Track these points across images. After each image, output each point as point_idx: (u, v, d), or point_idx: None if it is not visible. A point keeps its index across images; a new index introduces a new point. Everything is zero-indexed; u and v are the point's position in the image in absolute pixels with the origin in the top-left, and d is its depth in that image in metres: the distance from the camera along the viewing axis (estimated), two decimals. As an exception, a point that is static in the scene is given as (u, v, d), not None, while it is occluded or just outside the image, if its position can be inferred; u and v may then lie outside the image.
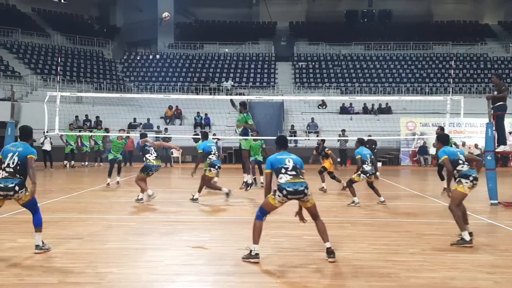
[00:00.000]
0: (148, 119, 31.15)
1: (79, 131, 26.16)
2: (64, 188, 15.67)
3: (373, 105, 33.72)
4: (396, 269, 6.64)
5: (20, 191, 7.07)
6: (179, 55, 42.18)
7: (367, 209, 12.02)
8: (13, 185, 7.03)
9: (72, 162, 24.99)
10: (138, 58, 42.55)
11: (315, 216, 7.13)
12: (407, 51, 42.21)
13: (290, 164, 7.09)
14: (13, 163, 7.13)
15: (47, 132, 18.45)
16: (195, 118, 32.14)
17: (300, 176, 7.03)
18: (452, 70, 36.27)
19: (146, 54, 43.41)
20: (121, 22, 47.66)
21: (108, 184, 16.08)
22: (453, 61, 35.83)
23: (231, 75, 39.44)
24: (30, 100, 30.04)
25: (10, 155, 7.20)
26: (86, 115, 30.39)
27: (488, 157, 13.23)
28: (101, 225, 9.55)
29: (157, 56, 42.31)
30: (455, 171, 8.23)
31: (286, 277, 6.26)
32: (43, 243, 7.30)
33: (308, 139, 30.19)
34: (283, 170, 7.04)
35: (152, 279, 6.16)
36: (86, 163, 25.60)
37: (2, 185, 7.03)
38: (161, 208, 11.77)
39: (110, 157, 16.91)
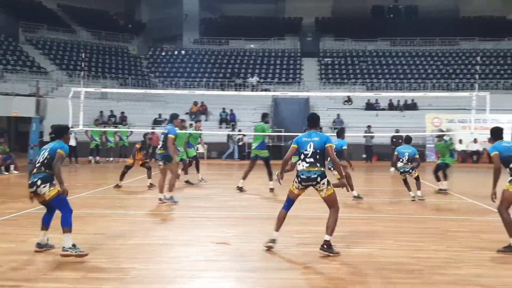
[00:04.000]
0: (173, 115, 31.25)
1: (104, 127, 26.39)
2: (89, 184, 15.84)
3: (398, 101, 33.34)
4: (420, 266, 6.59)
5: (42, 185, 6.89)
6: (204, 51, 42.22)
7: (394, 206, 11.92)
8: (36, 179, 6.93)
9: (97, 157, 25.21)
10: (163, 54, 42.70)
11: (329, 206, 7.25)
12: (433, 47, 41.63)
13: (310, 150, 7.23)
14: (42, 158, 7.08)
15: (71, 127, 18.62)
16: (220, 114, 32.17)
17: (317, 164, 7.15)
18: (479, 66, 35.67)
19: (171, 50, 43.53)
20: (146, 18, 47.85)
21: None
22: (479, 57, 35.23)
23: (257, 71, 39.33)
24: (55, 95, 30.29)
25: (42, 152, 7.18)
26: (111, 111, 30.64)
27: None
28: (126, 221, 9.63)
29: (182, 52, 42.40)
30: (507, 169, 7.58)
31: (310, 273, 6.24)
32: (74, 246, 6.77)
33: (333, 135, 29.99)
34: (302, 156, 7.26)
35: (176, 275, 6.19)
36: (111, 158, 25.82)
37: (29, 181, 7.01)
38: (186, 203, 11.80)
39: (193, 153, 16.22)
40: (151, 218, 10.11)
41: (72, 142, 24.19)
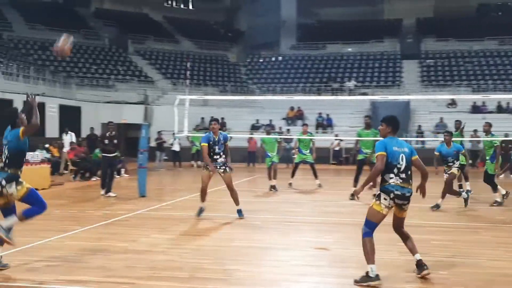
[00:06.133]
0: (270, 120, 31.60)
1: (204, 133, 27.17)
2: (191, 187, 16.28)
3: (508, 103, 31.62)
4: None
5: (8, 185, 6.19)
6: (301, 56, 42.38)
7: (504, 215, 11.27)
8: (0, 179, 6.22)
9: (198, 162, 25.98)
10: (261, 60, 43.36)
11: (402, 227, 6.41)
12: (546, 45, 39.11)
13: (403, 164, 6.09)
14: (4, 157, 6.31)
15: (176, 133, 19.36)
16: (316, 119, 32.11)
17: (409, 181, 6.11)
18: None
19: (269, 56, 44.08)
20: (245, 26, 48.79)
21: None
22: None
23: (354, 74, 38.92)
24: (161, 103, 31.62)
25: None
26: (212, 117, 31.44)
27: None
28: (228, 223, 9.84)
29: (280, 58, 42.83)
30: None
31: (412, 282, 6.04)
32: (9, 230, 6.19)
33: (437, 140, 28.98)
34: (395, 170, 6.07)
35: (278, 279, 6.23)
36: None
37: None
38: (283, 208, 11.88)
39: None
40: (250, 221, 10.20)
41: (176, 147, 25.25)
